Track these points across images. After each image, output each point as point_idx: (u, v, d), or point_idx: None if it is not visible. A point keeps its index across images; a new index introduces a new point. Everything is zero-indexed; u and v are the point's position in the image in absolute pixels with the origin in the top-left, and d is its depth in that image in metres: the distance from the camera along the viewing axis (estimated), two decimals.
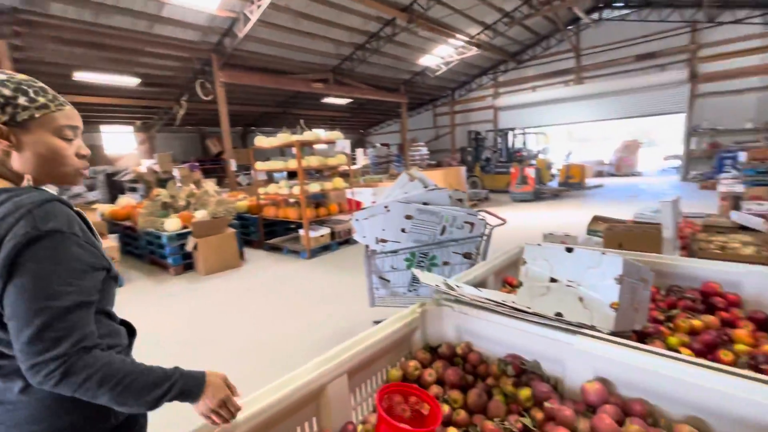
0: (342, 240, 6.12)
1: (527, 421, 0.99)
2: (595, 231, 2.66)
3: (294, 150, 5.41)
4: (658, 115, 12.61)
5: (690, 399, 0.86)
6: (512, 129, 12.31)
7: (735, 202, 4.65)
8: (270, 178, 9.54)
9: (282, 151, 12.19)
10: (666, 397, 0.90)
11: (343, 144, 5.67)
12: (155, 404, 0.75)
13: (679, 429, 0.84)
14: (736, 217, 3.21)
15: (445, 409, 1.04)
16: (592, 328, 1.08)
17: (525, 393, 1.04)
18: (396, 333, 1.20)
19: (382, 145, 15.17)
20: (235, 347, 3.00)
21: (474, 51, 12.17)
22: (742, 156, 7.67)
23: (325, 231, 5.85)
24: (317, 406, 0.96)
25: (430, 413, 0.99)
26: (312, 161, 5.58)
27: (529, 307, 1.21)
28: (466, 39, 11.43)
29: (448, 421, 1.03)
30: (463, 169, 10.34)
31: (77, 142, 0.85)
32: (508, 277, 1.86)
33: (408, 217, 1.92)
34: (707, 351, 1.26)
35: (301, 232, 5.67)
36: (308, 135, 5.52)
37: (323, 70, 11.40)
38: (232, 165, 9.20)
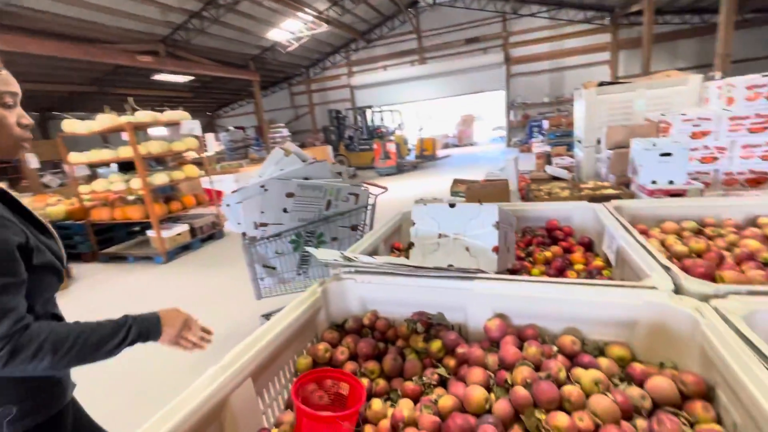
0: (205, 236, 5.42)
1: (441, 370, 1.02)
2: (457, 192, 2.97)
3: (125, 136, 4.42)
4: (485, 92, 14.85)
5: (563, 313, 1.01)
6: (370, 107, 12.77)
7: (546, 159, 5.83)
8: (94, 173, 7.68)
9: (105, 139, 9.91)
10: (547, 317, 1.03)
11: (191, 125, 4.91)
12: (115, 352, 0.81)
13: (562, 340, 0.97)
14: (550, 170, 4.01)
15: (365, 382, 0.99)
16: (481, 271, 1.18)
17: (436, 345, 1.07)
18: (298, 319, 1.07)
19: (237, 128, 13.86)
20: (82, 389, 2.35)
21: (324, 27, 11.98)
22: (546, 124, 9.71)
23: (182, 228, 5.07)
24: (221, 424, 0.79)
25: (351, 392, 0.93)
26: (152, 147, 4.67)
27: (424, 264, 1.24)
28: (315, 14, 11.12)
29: (369, 394, 0.99)
30: (329, 148, 10.31)
31: (18, 110, 0.80)
32: (395, 243, 1.90)
33: (289, 195, 1.75)
34: (559, 274, 1.52)
35: (151, 233, 4.78)
36: (143, 116, 4.58)
37: (151, 41, 9.57)
38: (32, 161, 7.04)
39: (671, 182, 2.34)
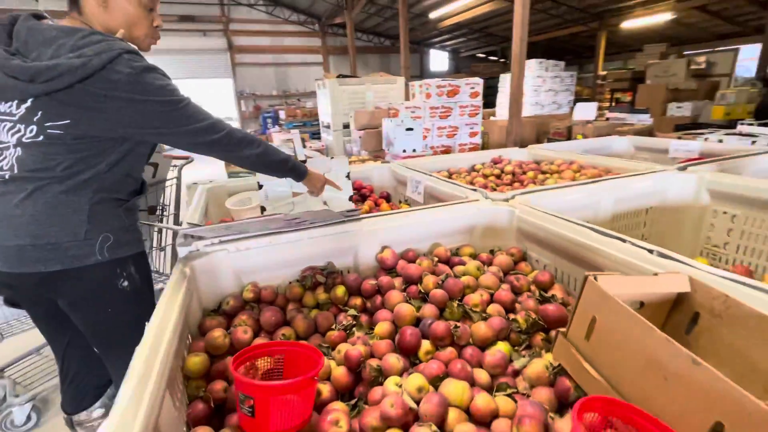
0: None
1: (353, 311, 1.04)
2: (234, 172, 2.78)
3: None
4: (211, 78, 13.81)
5: (429, 233, 1.24)
6: None
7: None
8: None
9: None
10: (416, 240, 1.24)
11: None
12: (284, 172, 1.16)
13: (437, 252, 1.20)
14: (307, 152, 4.35)
15: None
16: (354, 212, 1.24)
17: (341, 290, 1.06)
18: (180, 314, 0.79)
19: None
20: None
21: None
22: (283, 114, 10.20)
23: None
24: None
25: (290, 358, 0.80)
26: None
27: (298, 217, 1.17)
28: None
29: None
30: None
31: (155, 15, 1.05)
32: (208, 222, 1.63)
33: None
34: None
35: None
36: None
37: None
38: None
39: (414, 150, 3.10)
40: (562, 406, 0.72)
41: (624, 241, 0.92)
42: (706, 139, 2.83)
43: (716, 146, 2.41)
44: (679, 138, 2.96)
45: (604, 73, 9.08)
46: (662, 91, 5.70)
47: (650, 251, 0.86)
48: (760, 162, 1.92)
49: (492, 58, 16.17)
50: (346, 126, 4.95)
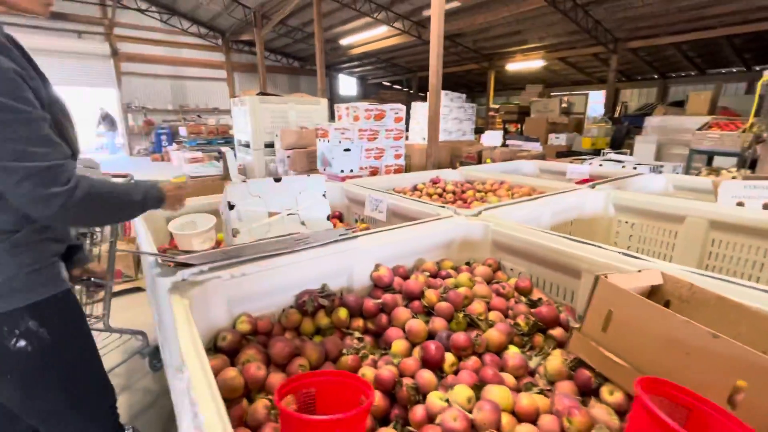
0: None
1: (357, 334, 1.01)
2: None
3: None
4: (88, 86, 11.95)
5: (413, 249, 1.27)
6: None
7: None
8: None
9: None
10: (402, 256, 1.26)
11: None
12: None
13: (426, 267, 1.24)
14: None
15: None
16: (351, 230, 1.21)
17: (343, 313, 1.02)
18: (206, 371, 0.67)
19: None
20: None
21: None
22: (183, 131, 9.28)
23: None
24: None
25: (321, 390, 0.74)
26: None
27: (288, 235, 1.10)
28: None
29: None
30: None
31: None
32: (163, 246, 1.42)
33: None
34: None
35: None
36: None
37: None
38: None
39: (351, 170, 3.13)
40: (583, 394, 0.81)
41: (596, 246, 1.08)
42: (590, 164, 3.47)
43: (599, 169, 2.94)
44: (572, 162, 3.57)
45: (496, 106, 10.50)
46: (544, 124, 6.80)
47: (621, 253, 1.03)
48: (637, 181, 2.42)
49: (397, 87, 17.31)
50: (269, 145, 4.75)
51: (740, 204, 1.60)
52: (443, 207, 1.52)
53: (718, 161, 3.80)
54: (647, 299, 0.71)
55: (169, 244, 1.56)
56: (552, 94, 10.39)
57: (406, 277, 1.18)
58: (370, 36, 9.77)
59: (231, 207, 1.20)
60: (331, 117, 7.31)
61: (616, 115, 8.93)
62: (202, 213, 1.62)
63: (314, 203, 1.33)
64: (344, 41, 10.83)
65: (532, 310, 1.05)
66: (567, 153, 5.99)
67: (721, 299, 0.80)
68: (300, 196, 1.31)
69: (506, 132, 9.90)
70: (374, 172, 4.53)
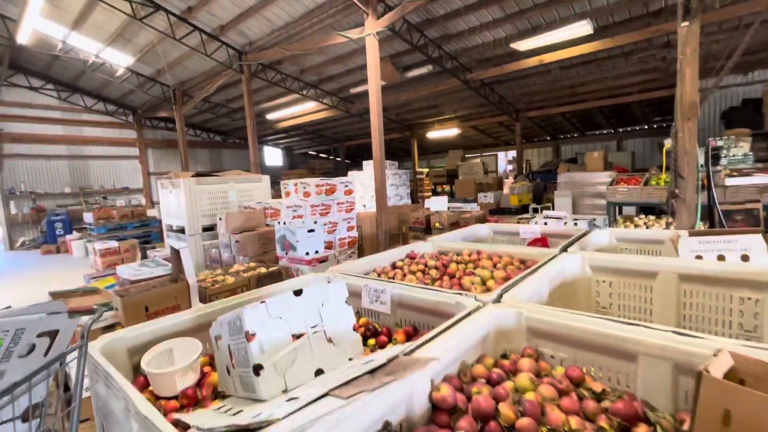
0: None
1: None
2: (104, 304, 2.02)
3: None
4: None
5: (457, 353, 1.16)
6: None
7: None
8: None
9: None
10: (445, 364, 1.14)
11: None
12: None
13: (477, 371, 1.13)
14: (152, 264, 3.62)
15: None
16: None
17: None
18: None
19: None
20: None
21: None
22: (89, 216, 8.13)
23: None
24: None
25: None
26: None
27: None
28: None
29: None
30: None
31: None
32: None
33: None
34: None
35: None
36: None
37: None
38: None
39: (317, 251, 2.97)
40: None
41: (647, 327, 1.09)
42: (536, 223, 3.79)
43: (547, 228, 3.20)
44: (518, 222, 3.85)
45: (422, 170, 11.31)
46: (472, 185, 7.42)
47: (673, 332, 1.05)
48: (594, 237, 2.66)
49: (323, 155, 17.79)
50: (208, 229, 4.35)
51: (699, 257, 1.82)
52: (460, 294, 1.46)
53: (627, 210, 4.48)
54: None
55: (141, 387, 1.22)
56: (467, 155, 11.58)
57: (461, 390, 1.05)
58: (299, 111, 10.08)
59: (250, 337, 0.98)
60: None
61: (525, 172, 10.23)
62: (180, 337, 1.33)
63: (338, 314, 1.17)
64: (271, 116, 10.98)
65: (611, 407, 0.99)
66: (497, 210, 6.54)
67: None
68: (323, 308, 1.15)
69: (437, 193, 10.58)
70: (329, 247, 4.38)
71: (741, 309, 1.65)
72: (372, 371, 0.86)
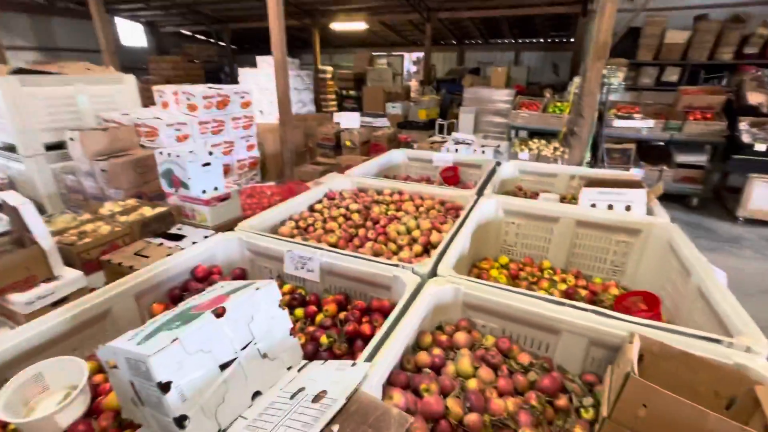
0: None
1: None
2: None
3: None
4: None
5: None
6: None
7: None
8: None
9: None
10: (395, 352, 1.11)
11: None
12: None
13: (420, 359, 1.12)
14: None
15: None
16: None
17: None
18: None
19: None
20: None
21: None
22: None
23: None
24: None
25: None
26: None
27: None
28: None
29: None
30: None
31: None
32: None
33: None
34: None
35: None
36: None
37: None
38: None
39: (216, 188, 2.54)
40: None
41: (575, 308, 1.18)
42: (447, 150, 3.82)
43: (460, 156, 3.27)
44: (431, 145, 3.83)
45: (325, 67, 10.16)
46: (381, 93, 7.04)
47: (596, 312, 1.16)
48: (502, 171, 2.79)
49: (201, 37, 14.61)
50: (54, 147, 3.34)
51: (593, 206, 2.05)
52: (397, 266, 1.39)
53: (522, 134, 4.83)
54: (681, 398, 0.82)
55: None
56: (374, 53, 10.76)
57: (408, 385, 1.05)
58: None
59: (165, 389, 0.77)
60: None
61: (431, 78, 10.04)
62: (52, 358, 1.03)
63: (272, 322, 1.00)
64: None
65: (533, 380, 1.10)
66: (406, 123, 6.44)
67: (684, 353, 1.01)
68: (253, 323, 0.95)
69: (342, 98, 9.85)
70: (226, 171, 3.86)
71: (615, 249, 1.96)
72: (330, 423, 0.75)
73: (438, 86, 8.56)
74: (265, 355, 0.96)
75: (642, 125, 3.88)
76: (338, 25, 9.50)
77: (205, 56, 12.40)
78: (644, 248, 1.85)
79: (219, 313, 0.88)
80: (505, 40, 11.10)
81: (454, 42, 11.85)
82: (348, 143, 4.50)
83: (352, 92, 9.34)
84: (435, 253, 1.49)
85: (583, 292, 1.79)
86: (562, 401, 1.07)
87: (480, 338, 1.29)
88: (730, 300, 1.19)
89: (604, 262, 2.03)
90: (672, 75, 6.45)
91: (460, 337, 1.23)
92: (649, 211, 2.00)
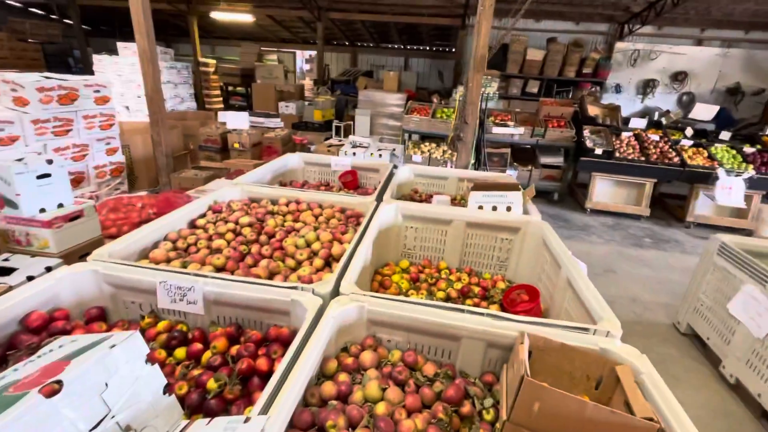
0: None
1: None
2: None
3: None
4: None
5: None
6: None
7: None
8: None
9: None
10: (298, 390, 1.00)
11: None
12: None
13: (326, 389, 1.04)
14: None
15: None
16: None
17: None
18: None
19: None
20: None
21: None
22: None
23: None
24: None
25: None
26: None
27: None
28: None
29: None
30: None
31: None
32: None
33: None
34: None
35: None
36: None
37: None
38: None
39: (60, 205, 2.05)
40: None
41: (473, 314, 1.22)
42: (345, 153, 3.77)
43: (358, 160, 3.27)
44: (328, 148, 3.74)
45: (208, 59, 9.15)
46: (272, 91, 6.64)
47: (484, 315, 1.22)
48: (399, 175, 2.86)
49: (37, 11, 11.87)
50: None
51: (480, 207, 2.22)
52: (295, 288, 1.27)
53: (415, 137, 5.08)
54: (569, 394, 0.90)
55: None
56: (263, 48, 10.16)
57: (313, 424, 0.95)
58: None
59: None
60: None
61: (325, 78, 9.89)
62: None
63: (137, 383, 0.80)
64: None
65: (439, 391, 1.11)
66: (301, 125, 6.20)
67: (563, 345, 1.12)
68: (108, 391, 0.74)
69: (228, 94, 9.04)
70: (79, 180, 3.19)
71: (500, 246, 2.15)
72: None
73: (333, 87, 8.47)
74: (128, 428, 0.76)
75: (515, 132, 4.47)
76: (219, 15, 8.67)
77: (44, 35, 10.10)
78: (523, 244, 2.07)
79: (51, 391, 0.66)
80: (396, 45, 11.58)
81: (347, 43, 11.90)
82: (236, 145, 4.10)
83: (239, 89, 8.63)
84: (337, 268, 1.41)
85: (476, 289, 1.92)
86: (466, 408, 1.09)
87: (386, 355, 1.26)
88: (591, 289, 1.38)
89: (492, 258, 2.21)
90: (533, 87, 7.56)
91: (367, 357, 1.18)
92: (525, 211, 2.25)
